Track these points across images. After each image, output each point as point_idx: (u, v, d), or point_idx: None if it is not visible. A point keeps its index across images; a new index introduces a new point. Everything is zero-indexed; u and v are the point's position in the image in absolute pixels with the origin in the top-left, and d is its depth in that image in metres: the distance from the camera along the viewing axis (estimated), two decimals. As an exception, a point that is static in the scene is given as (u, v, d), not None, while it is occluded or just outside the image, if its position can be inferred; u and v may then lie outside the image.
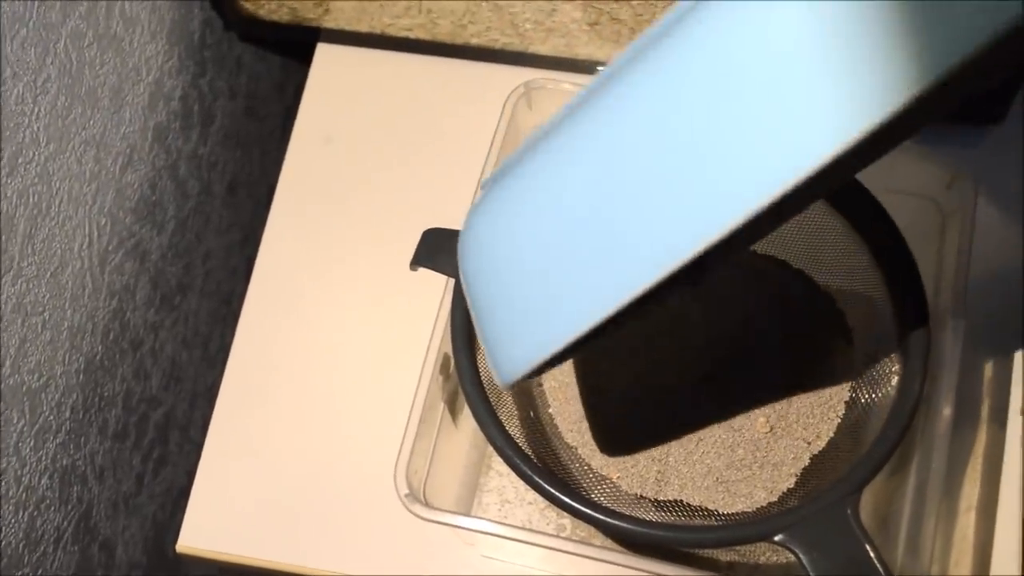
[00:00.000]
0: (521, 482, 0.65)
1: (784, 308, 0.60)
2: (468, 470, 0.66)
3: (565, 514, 0.64)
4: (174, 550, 0.66)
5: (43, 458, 0.63)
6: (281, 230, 0.73)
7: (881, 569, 0.49)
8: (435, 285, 0.59)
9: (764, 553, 0.63)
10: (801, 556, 0.49)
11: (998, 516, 0.61)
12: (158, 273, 0.74)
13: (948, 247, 0.60)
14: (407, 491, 0.55)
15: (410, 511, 0.55)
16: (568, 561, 0.60)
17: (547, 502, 0.63)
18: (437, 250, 0.56)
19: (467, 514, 0.64)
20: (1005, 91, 0.69)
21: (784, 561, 0.63)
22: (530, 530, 0.56)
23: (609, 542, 0.63)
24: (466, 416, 0.63)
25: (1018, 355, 0.65)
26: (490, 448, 0.65)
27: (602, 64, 0.73)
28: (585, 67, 0.74)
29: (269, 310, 0.71)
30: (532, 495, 0.65)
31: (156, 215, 0.73)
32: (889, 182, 0.62)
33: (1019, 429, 0.64)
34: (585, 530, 0.64)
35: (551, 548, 0.55)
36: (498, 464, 0.66)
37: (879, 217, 0.56)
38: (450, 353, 0.59)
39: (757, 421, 0.57)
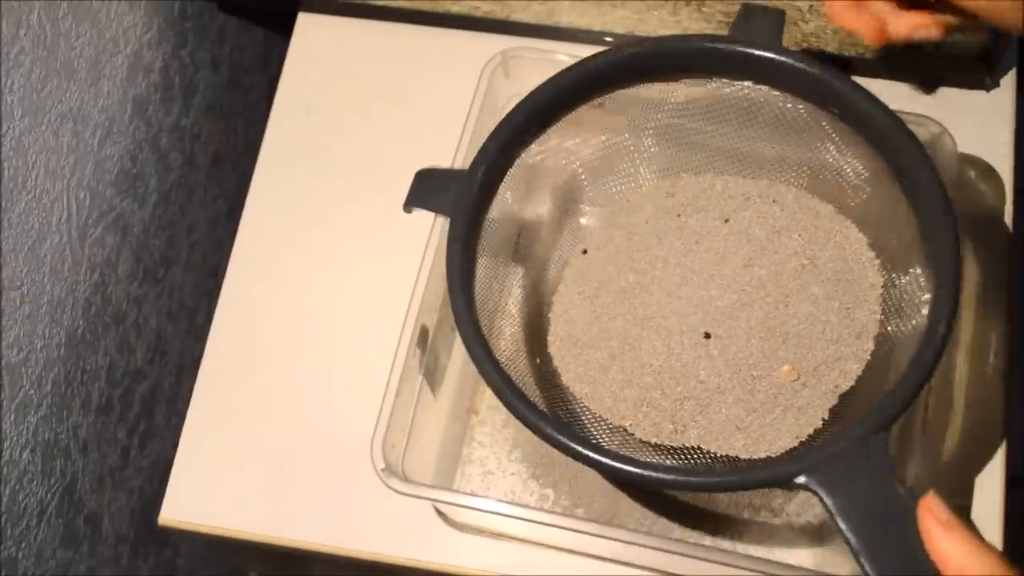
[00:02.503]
0: (503, 453, 0.65)
1: (804, 237, 0.58)
2: (450, 442, 0.65)
3: (548, 485, 0.65)
4: (159, 523, 0.66)
5: (24, 432, 0.63)
6: (262, 202, 0.73)
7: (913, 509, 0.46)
8: (413, 259, 0.59)
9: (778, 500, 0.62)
10: (825, 499, 0.46)
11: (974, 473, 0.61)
12: (141, 246, 0.74)
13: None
14: (383, 465, 0.55)
15: (387, 485, 0.55)
16: (551, 531, 0.60)
17: (530, 473, 0.64)
18: (430, 190, 0.56)
19: (448, 486, 0.64)
20: (994, 58, 0.68)
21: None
22: (508, 502, 0.55)
23: (593, 513, 0.63)
24: (446, 388, 0.63)
25: (1004, 319, 0.65)
26: (471, 419, 0.66)
27: (583, 31, 0.72)
28: (567, 35, 0.73)
29: (250, 282, 0.71)
30: (515, 466, 0.65)
31: (137, 188, 0.72)
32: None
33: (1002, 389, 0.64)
34: (568, 500, 0.64)
35: (528, 520, 0.55)
36: (480, 435, 0.66)
37: (902, 137, 0.53)
38: (427, 325, 0.58)
39: (782, 368, 0.55)
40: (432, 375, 0.60)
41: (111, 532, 0.73)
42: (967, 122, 0.68)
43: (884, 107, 0.53)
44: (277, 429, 0.67)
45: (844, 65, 0.71)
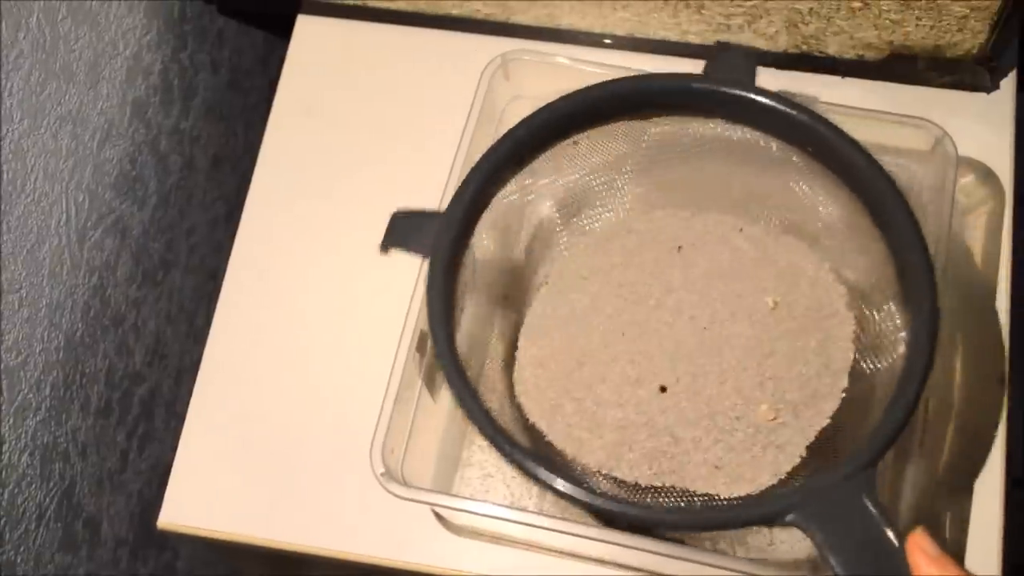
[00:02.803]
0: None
1: (774, 273, 0.58)
2: (449, 444, 0.65)
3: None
4: (158, 526, 0.66)
5: (23, 436, 0.63)
6: (261, 204, 0.73)
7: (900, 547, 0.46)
8: (413, 261, 0.58)
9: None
10: (814, 536, 0.46)
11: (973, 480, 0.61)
12: (140, 249, 0.73)
13: (927, 214, 0.59)
14: (383, 470, 0.55)
15: (386, 489, 0.55)
16: (550, 535, 0.60)
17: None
18: (407, 231, 0.55)
19: (447, 490, 0.64)
20: (994, 59, 0.68)
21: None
22: (507, 506, 0.55)
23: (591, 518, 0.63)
24: (446, 392, 0.62)
25: (1004, 321, 0.65)
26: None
27: (584, 33, 0.72)
28: (568, 37, 0.73)
29: (250, 285, 0.71)
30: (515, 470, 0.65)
31: (137, 190, 0.72)
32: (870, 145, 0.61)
33: (1003, 395, 0.64)
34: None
35: (529, 524, 0.55)
36: (479, 439, 0.66)
37: (876, 175, 0.53)
38: (427, 330, 0.58)
39: (760, 408, 0.55)
40: (432, 379, 0.60)
41: (110, 536, 0.73)
42: (967, 125, 0.68)
43: (858, 145, 0.53)
44: (277, 433, 0.67)
45: (845, 69, 0.71)
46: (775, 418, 0.55)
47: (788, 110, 0.55)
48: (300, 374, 0.68)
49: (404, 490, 0.55)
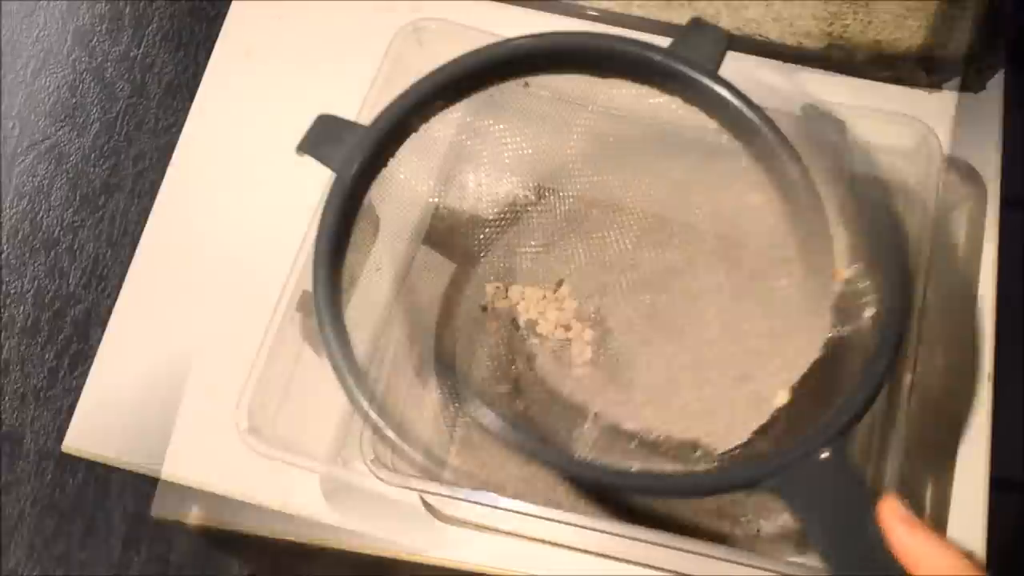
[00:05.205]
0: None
1: (756, 229, 0.58)
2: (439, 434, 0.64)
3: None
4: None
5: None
6: (197, 134, 0.73)
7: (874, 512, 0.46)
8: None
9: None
10: (791, 502, 0.47)
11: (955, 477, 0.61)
12: (78, 174, 0.74)
13: (912, 212, 0.58)
14: (372, 456, 0.55)
15: (377, 476, 0.55)
16: (541, 524, 0.59)
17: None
18: (325, 139, 0.53)
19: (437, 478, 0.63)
20: (986, 60, 0.67)
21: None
22: (496, 494, 0.53)
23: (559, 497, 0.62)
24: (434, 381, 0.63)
25: (986, 319, 0.64)
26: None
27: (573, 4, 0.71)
28: (557, 7, 0.72)
29: (178, 208, 0.72)
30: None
31: (76, 117, 0.73)
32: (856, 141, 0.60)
33: (987, 392, 0.63)
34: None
35: (517, 512, 0.53)
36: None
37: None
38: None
39: (779, 390, 0.55)
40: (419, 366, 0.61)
41: (33, 450, 0.75)
42: (953, 124, 0.67)
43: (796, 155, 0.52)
44: (181, 363, 0.68)
45: (787, 55, 0.70)
46: (791, 401, 0.55)
47: (740, 105, 0.52)
48: (211, 307, 0.69)
49: (394, 477, 0.55)
